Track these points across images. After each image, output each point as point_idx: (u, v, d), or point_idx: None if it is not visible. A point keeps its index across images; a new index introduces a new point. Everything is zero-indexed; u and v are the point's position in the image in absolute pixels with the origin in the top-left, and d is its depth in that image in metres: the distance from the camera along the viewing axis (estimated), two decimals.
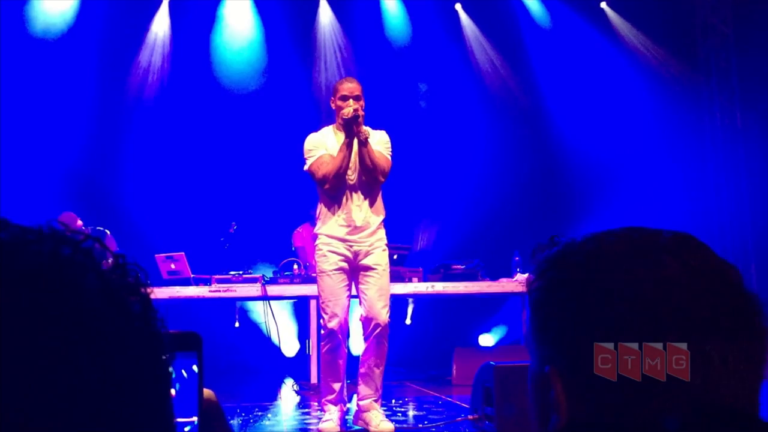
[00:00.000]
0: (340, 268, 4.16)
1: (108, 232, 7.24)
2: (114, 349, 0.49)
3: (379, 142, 4.26)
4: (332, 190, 4.17)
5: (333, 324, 4.10)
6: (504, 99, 9.34)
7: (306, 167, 4.27)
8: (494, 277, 6.96)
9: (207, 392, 0.67)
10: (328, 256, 4.17)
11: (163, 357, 0.53)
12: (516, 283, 6.77)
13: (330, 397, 4.23)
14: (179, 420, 0.66)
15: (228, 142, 8.72)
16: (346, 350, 4.28)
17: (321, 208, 4.28)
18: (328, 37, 9.26)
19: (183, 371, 0.67)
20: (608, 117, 8.93)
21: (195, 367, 0.67)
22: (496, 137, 9.13)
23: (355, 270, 4.20)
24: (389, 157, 4.27)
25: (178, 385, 0.66)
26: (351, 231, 4.17)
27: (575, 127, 9.04)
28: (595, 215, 8.43)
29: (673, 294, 0.73)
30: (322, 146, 4.23)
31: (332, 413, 4.19)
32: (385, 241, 4.28)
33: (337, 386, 4.21)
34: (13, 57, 8.17)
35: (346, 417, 4.36)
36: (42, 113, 8.23)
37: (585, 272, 0.76)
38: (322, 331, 4.18)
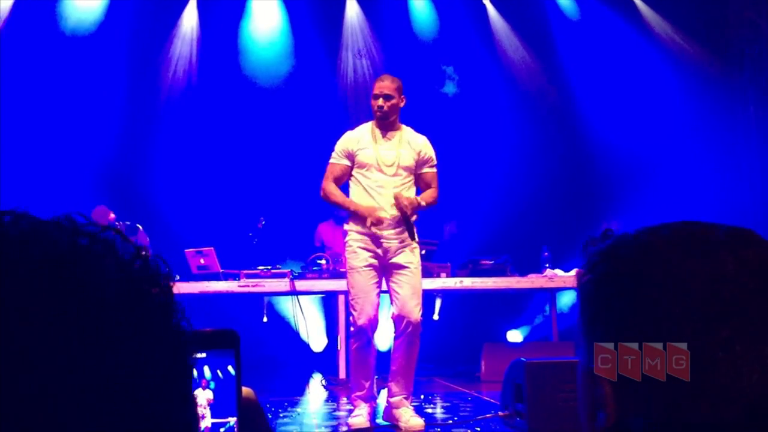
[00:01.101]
0: (370, 265, 4.13)
1: (140, 227, 7.31)
2: (131, 341, 0.48)
3: (423, 158, 4.24)
4: (323, 200, 4.33)
5: (363, 321, 4.08)
6: (533, 92, 9.25)
7: (329, 161, 4.31)
8: (523, 273, 6.91)
9: (246, 391, 0.65)
10: (358, 253, 4.15)
11: (183, 352, 0.52)
12: (545, 278, 6.71)
13: (360, 393, 4.22)
14: (215, 421, 0.64)
15: (256, 137, 8.75)
16: (375, 347, 4.27)
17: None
18: (355, 31, 9.25)
19: (218, 371, 0.65)
20: (639, 111, 8.79)
21: (231, 368, 0.65)
22: (524, 131, 9.05)
23: (385, 267, 4.17)
24: (435, 177, 4.28)
25: (213, 384, 0.65)
26: (383, 228, 4.14)
27: (605, 120, 8.92)
28: (626, 211, 8.33)
29: (727, 293, 0.70)
30: (351, 149, 4.22)
31: (362, 409, 4.19)
32: (417, 239, 4.25)
33: (366, 383, 4.20)
34: (45, 55, 8.27)
35: (376, 413, 4.35)
36: (74, 110, 8.32)
37: (636, 267, 0.74)
38: (352, 328, 4.16)
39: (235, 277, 6.55)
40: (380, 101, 4.14)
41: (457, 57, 9.17)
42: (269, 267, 6.57)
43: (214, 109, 8.81)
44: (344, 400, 5.34)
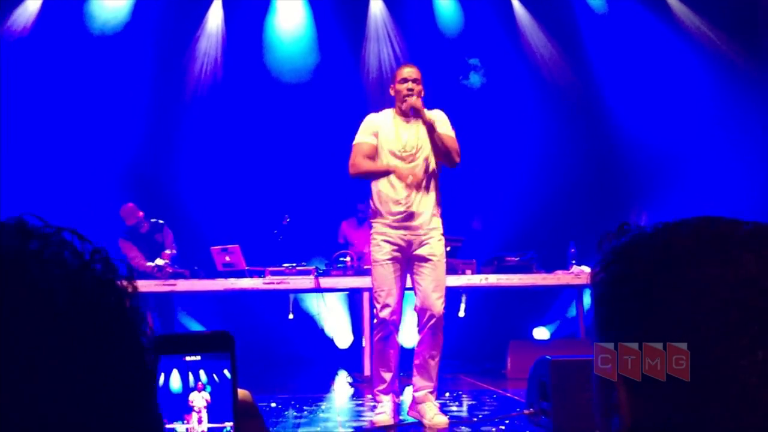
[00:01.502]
0: (394, 258, 4.11)
1: (161, 222, 7.36)
2: (81, 350, 0.45)
3: (440, 123, 4.20)
4: (353, 176, 4.21)
5: (385, 314, 4.06)
6: (559, 86, 9.16)
7: (353, 142, 4.27)
8: (549, 269, 6.84)
9: (242, 393, 0.63)
10: (381, 246, 4.13)
11: (140, 359, 0.50)
12: (572, 275, 6.64)
13: (381, 387, 4.19)
14: (212, 426, 0.63)
15: (281, 134, 8.77)
16: (398, 341, 4.24)
17: (375, 196, 4.22)
18: (379, 28, 9.23)
19: (214, 375, 0.63)
20: (667, 105, 8.66)
21: (227, 372, 0.64)
22: (551, 126, 8.97)
23: (409, 260, 4.15)
24: (454, 135, 4.24)
25: (209, 388, 0.63)
26: (405, 219, 4.11)
27: (633, 114, 8.81)
28: (655, 206, 8.22)
29: (749, 297, 0.66)
30: (375, 129, 4.20)
31: (385, 405, 4.16)
32: (441, 231, 4.22)
33: (388, 376, 4.17)
34: (73, 54, 8.37)
35: (400, 408, 4.33)
36: (101, 108, 8.42)
37: (652, 268, 0.70)
38: (375, 320, 4.15)
39: (260, 274, 6.57)
40: (410, 84, 4.14)
41: (482, 52, 9.10)
42: (294, 264, 6.58)
43: (239, 106, 8.85)
44: (369, 396, 5.33)
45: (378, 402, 4.22)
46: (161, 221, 7.39)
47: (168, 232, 7.37)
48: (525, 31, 9.27)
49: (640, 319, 0.69)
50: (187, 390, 0.63)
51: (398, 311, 4.12)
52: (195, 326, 8.45)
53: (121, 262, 0.53)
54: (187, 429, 0.62)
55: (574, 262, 6.79)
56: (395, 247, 4.11)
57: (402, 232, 4.11)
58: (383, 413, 4.12)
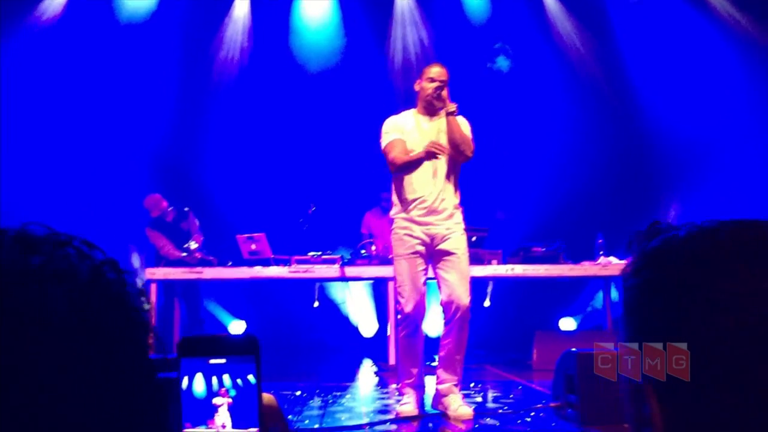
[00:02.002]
0: (417, 252, 4.11)
1: (187, 209, 7.40)
2: (85, 373, 0.42)
3: (461, 124, 4.23)
4: (397, 173, 4.20)
5: (410, 308, 4.06)
6: (587, 74, 9.04)
7: (382, 146, 4.27)
8: (576, 260, 6.77)
9: (267, 397, 0.62)
10: (404, 240, 4.13)
11: (148, 378, 0.47)
12: (599, 266, 6.57)
13: (408, 381, 4.21)
14: (235, 431, 0.61)
15: (307, 123, 8.77)
16: (423, 334, 4.24)
17: (397, 191, 4.23)
18: (405, 14, 9.17)
19: (239, 379, 0.62)
20: (698, 93, 8.50)
21: (251, 377, 0.62)
22: (579, 114, 8.86)
23: (432, 254, 4.14)
24: (471, 139, 4.24)
25: (233, 392, 0.62)
26: (427, 214, 4.11)
27: (663, 103, 8.66)
28: (685, 196, 8.09)
29: None
30: (399, 130, 4.22)
31: (410, 396, 4.18)
32: (463, 225, 4.21)
33: (415, 370, 4.19)
34: (101, 43, 8.42)
35: (424, 401, 4.33)
36: (128, 97, 8.47)
37: (687, 278, 0.66)
38: (399, 316, 4.14)
39: (285, 262, 6.59)
40: (438, 84, 4.14)
41: (510, 39, 9.01)
42: (320, 253, 6.59)
43: (265, 94, 8.86)
44: (394, 386, 5.33)
45: (404, 393, 4.22)
46: (186, 209, 7.43)
47: (193, 220, 7.41)
48: (553, 17, 9.15)
49: (673, 333, 0.65)
50: (210, 394, 0.61)
51: (422, 305, 4.13)
52: (221, 313, 8.51)
53: (131, 274, 0.49)
54: None
55: (601, 252, 6.71)
56: (418, 242, 4.11)
57: (425, 226, 4.11)
58: (408, 404, 4.13)
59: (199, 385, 0.61)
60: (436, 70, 4.22)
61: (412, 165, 4.14)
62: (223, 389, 0.61)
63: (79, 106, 8.26)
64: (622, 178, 8.70)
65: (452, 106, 4.14)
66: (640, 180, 8.67)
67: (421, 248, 4.12)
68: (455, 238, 4.14)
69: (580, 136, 8.75)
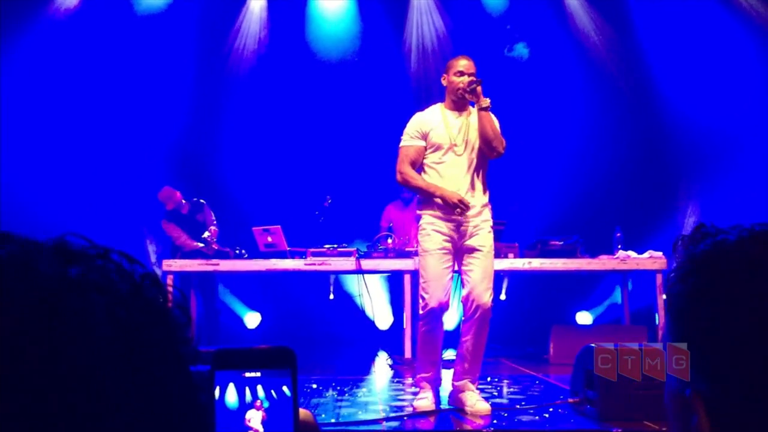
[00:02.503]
0: (444, 248, 4.07)
1: (202, 201, 7.41)
2: (126, 393, 0.40)
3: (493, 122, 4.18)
4: (400, 183, 4.21)
5: (434, 304, 4.02)
6: (605, 65, 8.94)
7: (400, 144, 4.22)
8: (594, 254, 6.72)
9: (304, 413, 0.59)
10: (432, 236, 4.08)
11: (192, 397, 0.45)
12: (617, 260, 6.51)
13: (425, 376, 4.18)
14: None
15: (323, 115, 8.75)
16: (443, 330, 4.21)
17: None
18: (422, 6, 9.11)
19: (272, 392, 0.59)
20: (719, 85, 8.37)
21: (286, 389, 0.59)
22: (597, 106, 8.78)
23: (459, 251, 4.10)
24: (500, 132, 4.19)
25: (267, 404, 0.59)
26: (466, 213, 4.05)
27: (682, 95, 8.55)
28: (704, 190, 8.00)
29: None
30: (424, 130, 4.14)
31: (427, 391, 4.15)
32: (491, 223, 4.17)
33: (433, 366, 4.16)
34: (118, 34, 8.42)
35: (440, 396, 4.30)
36: (145, 89, 8.47)
37: (740, 283, 0.62)
38: (421, 311, 4.10)
39: (301, 255, 6.59)
40: (469, 79, 4.08)
41: (527, 29, 8.93)
42: (335, 245, 6.57)
43: (281, 87, 8.84)
44: (410, 380, 5.31)
45: (421, 388, 4.20)
46: (201, 200, 7.44)
47: (208, 211, 7.42)
48: (572, 8, 9.06)
49: (727, 343, 0.62)
50: (243, 407, 0.59)
51: (447, 302, 4.08)
52: (236, 305, 8.52)
53: (177, 291, 0.47)
54: None
55: (620, 246, 6.65)
56: (446, 238, 4.07)
57: (453, 223, 4.07)
58: (425, 398, 4.10)
59: (231, 397, 0.59)
60: (464, 63, 4.13)
61: (418, 192, 4.14)
62: (258, 402, 0.59)
63: (96, 99, 8.27)
64: (641, 172, 8.61)
65: (486, 101, 4.07)
66: (659, 173, 8.58)
67: (448, 244, 4.08)
68: (482, 235, 4.10)
69: (598, 129, 8.66)
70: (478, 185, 4.13)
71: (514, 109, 8.51)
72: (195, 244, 7.00)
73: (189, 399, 0.45)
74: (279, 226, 6.76)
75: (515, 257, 6.59)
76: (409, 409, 4.16)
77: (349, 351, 7.75)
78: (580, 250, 6.70)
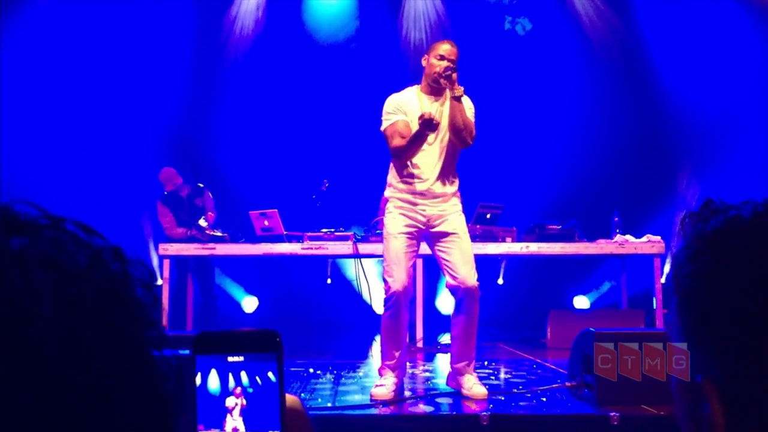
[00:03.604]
0: (408, 232, 4.01)
1: (202, 186, 7.38)
2: (76, 379, 0.35)
3: (467, 107, 4.05)
4: (400, 160, 4.07)
5: (396, 287, 3.94)
6: (604, 48, 8.89)
7: (382, 128, 4.14)
8: (592, 238, 6.70)
9: (291, 399, 0.56)
10: (396, 219, 4.03)
11: (157, 388, 0.40)
12: (615, 244, 6.49)
13: (389, 363, 4.08)
14: None
15: (320, 98, 8.70)
16: (408, 315, 4.14)
17: (393, 171, 4.12)
18: None
19: (258, 377, 0.56)
20: (718, 68, 8.32)
21: (271, 374, 0.56)
22: (595, 88, 8.73)
23: (429, 237, 4.05)
24: (473, 123, 4.08)
25: (251, 390, 0.56)
26: (424, 196, 4.01)
27: (681, 79, 8.50)
28: (703, 174, 7.97)
29: None
30: (402, 110, 4.07)
31: (388, 378, 4.04)
32: (460, 207, 4.10)
33: (397, 353, 4.06)
34: (112, 16, 8.34)
35: (402, 384, 4.22)
36: (141, 72, 8.41)
37: (759, 261, 0.59)
38: (384, 295, 4.01)
39: (298, 239, 6.55)
40: (448, 64, 3.98)
41: (525, 11, 8.86)
42: (332, 230, 6.54)
43: (278, 70, 8.78)
44: (409, 364, 5.29)
45: (381, 375, 4.10)
46: (201, 185, 7.40)
47: (208, 197, 7.38)
48: None
49: (743, 324, 0.59)
50: (225, 393, 0.56)
51: (409, 287, 4.01)
52: (234, 290, 8.51)
53: (139, 264, 0.42)
54: None
55: (618, 231, 6.63)
56: (411, 222, 4.01)
57: (420, 206, 4.01)
58: (383, 386, 4.00)
59: (213, 383, 0.56)
60: (446, 48, 4.03)
61: (414, 145, 3.99)
62: (238, 389, 0.56)
63: (92, 82, 8.21)
64: (639, 156, 8.58)
65: (459, 90, 3.95)
66: (658, 158, 8.55)
67: (413, 229, 4.01)
68: (452, 218, 4.02)
69: (597, 113, 8.62)
70: (448, 174, 4.06)
71: (512, 92, 8.47)
72: (181, 231, 6.95)
73: (151, 389, 0.40)
74: (276, 210, 6.73)
75: (513, 241, 6.57)
76: (408, 394, 4.14)
77: (346, 335, 7.75)
78: (578, 234, 6.67)
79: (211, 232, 6.81)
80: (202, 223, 6.86)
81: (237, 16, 9.01)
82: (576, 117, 8.61)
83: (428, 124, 3.88)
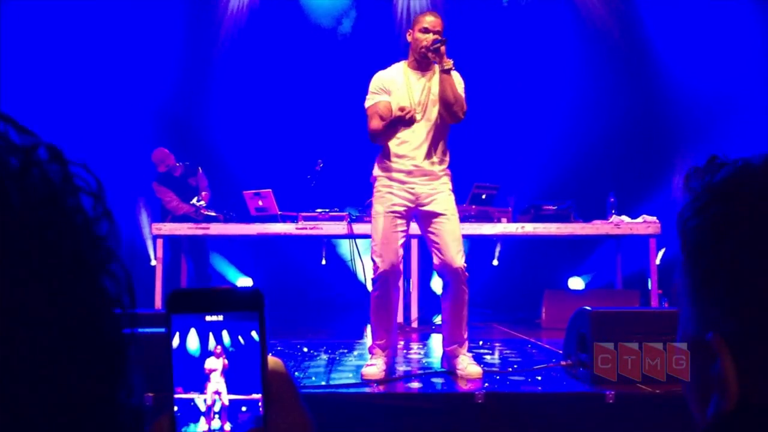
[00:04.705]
0: (397, 212, 3.95)
1: (200, 169, 7.35)
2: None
3: (456, 82, 3.97)
4: (374, 142, 4.01)
5: (385, 267, 3.89)
6: (601, 27, 8.82)
7: (365, 105, 4.05)
8: (587, 219, 6.69)
9: (273, 361, 0.53)
10: (385, 198, 3.97)
11: (100, 319, 0.35)
12: (611, 225, 6.48)
13: (380, 343, 4.02)
14: (233, 397, 0.53)
15: (314, 79, 8.63)
16: (398, 295, 4.11)
17: (383, 150, 4.04)
18: None
19: (240, 337, 0.53)
20: (715, 48, 8.27)
21: (255, 334, 0.53)
22: (591, 69, 8.68)
23: (418, 217, 4.01)
24: (464, 98, 4.01)
25: (232, 350, 0.53)
26: (413, 175, 3.95)
27: (679, 59, 8.45)
28: (700, 156, 7.94)
29: None
30: (386, 89, 3.98)
31: (378, 358, 4.01)
32: (450, 186, 4.05)
33: (387, 332, 4.02)
34: (107, 1, 8.25)
35: (394, 364, 4.20)
36: (133, 53, 8.32)
37: None
38: (372, 275, 3.96)
39: (293, 219, 6.53)
40: (433, 36, 3.89)
41: None
42: (327, 210, 6.51)
43: (272, 49, 8.70)
44: (402, 343, 5.29)
45: (372, 355, 4.05)
46: (197, 166, 7.36)
47: (202, 176, 7.34)
48: None
49: (758, 273, 0.56)
50: (205, 354, 0.53)
51: (398, 266, 3.95)
52: (228, 270, 8.48)
53: (85, 168, 0.37)
54: (205, 400, 0.52)
55: (613, 211, 6.62)
56: (400, 200, 3.96)
57: (408, 185, 3.96)
58: (373, 366, 3.96)
59: (192, 343, 0.52)
60: (430, 20, 3.94)
61: (389, 131, 3.92)
62: (218, 348, 0.52)
63: (84, 60, 8.12)
64: (636, 137, 8.55)
65: (449, 63, 3.86)
66: (654, 138, 8.52)
67: (402, 208, 3.95)
68: (442, 198, 3.97)
69: (593, 93, 8.57)
70: (439, 151, 3.99)
71: (508, 71, 8.41)
72: (186, 207, 6.92)
73: (95, 318, 0.35)
74: (270, 190, 6.70)
75: (508, 222, 6.55)
76: (401, 373, 4.13)
77: (342, 315, 7.74)
78: (573, 215, 6.66)
79: (206, 212, 6.77)
80: (198, 202, 6.82)
81: None
82: (572, 97, 8.57)
83: (401, 119, 3.83)
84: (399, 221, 3.96)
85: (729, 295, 0.58)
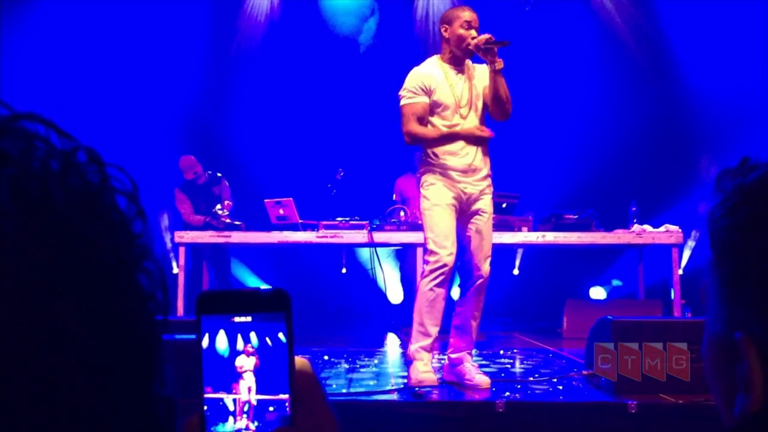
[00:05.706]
0: (453, 205, 3.84)
1: (219, 175, 7.40)
2: (32, 308, 0.31)
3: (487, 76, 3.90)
4: (411, 144, 3.93)
5: (447, 260, 3.72)
6: (623, 36, 8.79)
7: (401, 104, 3.92)
8: (609, 228, 6.64)
9: (300, 361, 0.54)
10: (442, 190, 3.83)
11: (132, 315, 0.36)
12: (633, 234, 6.43)
13: (425, 343, 3.80)
14: (261, 397, 0.54)
15: (336, 87, 8.67)
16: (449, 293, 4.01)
17: (432, 149, 3.91)
18: None
19: (267, 338, 0.54)
20: (738, 57, 8.19)
21: (282, 335, 0.54)
22: (613, 77, 8.64)
23: (462, 214, 3.90)
24: None
25: (260, 350, 0.54)
26: (463, 173, 3.87)
27: (701, 67, 8.38)
28: (724, 164, 7.86)
29: None
30: (427, 88, 3.86)
31: (428, 363, 3.82)
32: (492, 189, 4.01)
33: (434, 331, 3.82)
34: (130, 4, 8.35)
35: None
36: (157, 61, 8.42)
37: None
38: (429, 271, 3.75)
39: (313, 227, 6.54)
40: (475, 32, 3.80)
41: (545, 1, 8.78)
42: (347, 218, 6.53)
43: (294, 57, 8.76)
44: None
45: (419, 359, 3.83)
46: (219, 174, 7.41)
47: (225, 186, 7.39)
48: None
49: None
50: (234, 354, 0.54)
51: (455, 260, 3.81)
52: (249, 278, 8.52)
53: (122, 170, 0.38)
54: (234, 400, 0.53)
55: (635, 220, 6.56)
56: (454, 195, 3.86)
57: (460, 184, 3.86)
58: (429, 372, 3.81)
59: (221, 344, 0.54)
60: (470, 15, 3.82)
61: (430, 143, 3.83)
62: (249, 346, 0.53)
63: (109, 68, 8.22)
64: (658, 145, 8.49)
65: (501, 63, 3.79)
66: (677, 147, 8.46)
67: (456, 203, 3.85)
68: (486, 199, 3.90)
69: (614, 101, 8.53)
70: (484, 150, 3.91)
71: (529, 79, 8.39)
72: (200, 219, 6.96)
73: (133, 308, 0.36)
74: (291, 199, 6.72)
75: (529, 231, 6.52)
76: (415, 385, 4.10)
77: (362, 323, 7.75)
78: (595, 224, 6.61)
79: (227, 220, 6.81)
80: (219, 210, 6.87)
81: (253, 4, 9.00)
82: (593, 105, 8.53)
83: (446, 137, 3.81)
84: (455, 214, 3.86)
85: (757, 296, 0.59)
